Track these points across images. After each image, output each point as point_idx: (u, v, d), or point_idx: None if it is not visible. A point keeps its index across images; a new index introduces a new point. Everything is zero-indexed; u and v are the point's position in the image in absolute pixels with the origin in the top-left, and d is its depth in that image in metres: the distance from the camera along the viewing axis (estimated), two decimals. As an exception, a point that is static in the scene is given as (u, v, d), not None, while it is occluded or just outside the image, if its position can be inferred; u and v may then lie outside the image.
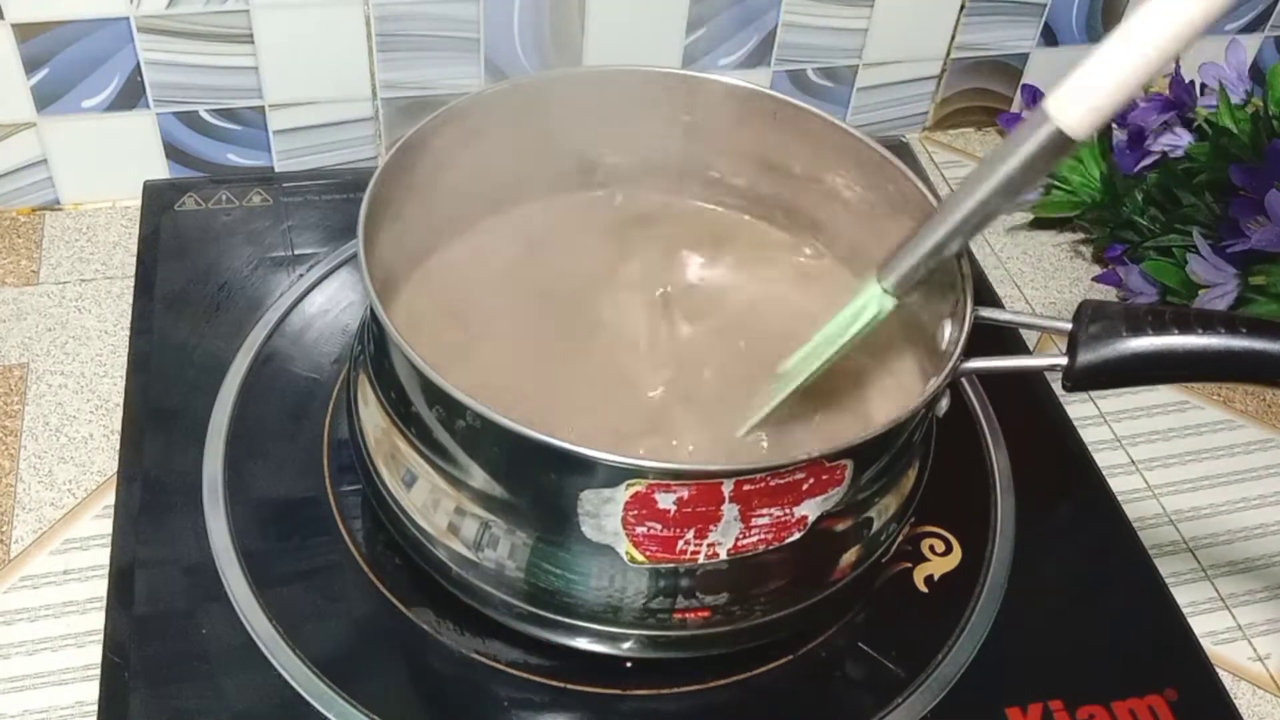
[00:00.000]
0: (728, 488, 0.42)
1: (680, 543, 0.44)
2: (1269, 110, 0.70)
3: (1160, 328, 0.44)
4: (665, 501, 0.42)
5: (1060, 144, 0.42)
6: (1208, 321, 0.44)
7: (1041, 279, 0.76)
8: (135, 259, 0.67)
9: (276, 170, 0.76)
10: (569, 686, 0.50)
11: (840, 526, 0.47)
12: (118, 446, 0.58)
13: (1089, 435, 0.64)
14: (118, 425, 0.59)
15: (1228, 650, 0.57)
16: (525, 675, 0.50)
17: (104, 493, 0.58)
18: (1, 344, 0.65)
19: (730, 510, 0.43)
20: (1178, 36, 0.39)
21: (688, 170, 0.61)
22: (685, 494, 0.42)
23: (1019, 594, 0.55)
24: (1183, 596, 0.57)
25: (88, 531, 0.56)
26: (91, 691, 0.49)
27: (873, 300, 0.48)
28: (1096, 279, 0.75)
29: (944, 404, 0.48)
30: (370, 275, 0.46)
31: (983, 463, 0.61)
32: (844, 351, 0.49)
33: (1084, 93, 0.41)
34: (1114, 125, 0.75)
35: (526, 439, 0.41)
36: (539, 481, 0.44)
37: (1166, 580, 0.57)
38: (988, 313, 0.48)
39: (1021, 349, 0.67)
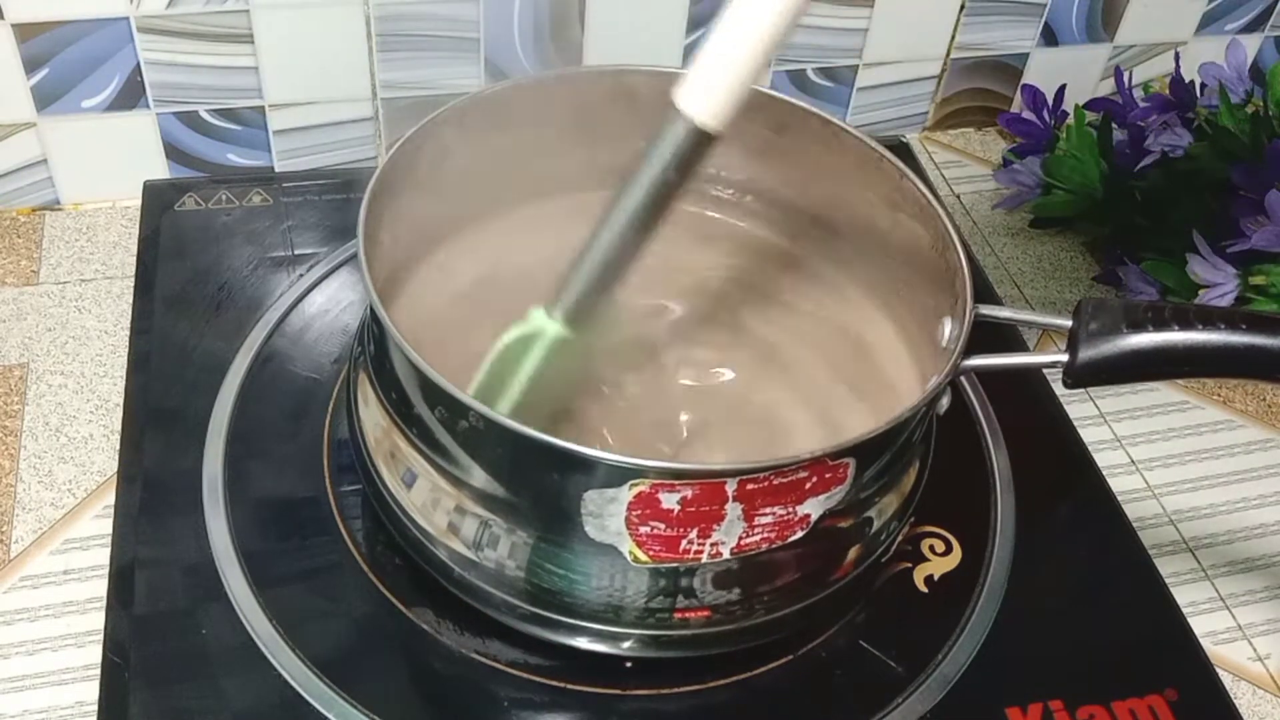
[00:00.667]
0: (731, 487, 0.42)
1: (684, 542, 0.44)
2: (1269, 110, 0.70)
3: (1160, 324, 0.44)
4: (669, 501, 0.42)
5: (699, 139, 0.41)
6: (1207, 317, 0.44)
7: (1041, 279, 0.76)
8: (135, 259, 0.67)
9: (276, 170, 0.76)
10: (569, 686, 0.50)
11: (842, 525, 0.47)
12: (118, 446, 0.58)
13: (1089, 435, 0.64)
14: (118, 425, 0.59)
15: (1228, 650, 0.57)
16: (525, 675, 0.50)
17: (104, 493, 0.58)
18: (1, 344, 0.65)
19: (734, 509, 0.43)
20: (782, 15, 0.39)
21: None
22: (689, 493, 0.42)
23: (1019, 594, 0.55)
24: (1183, 596, 0.57)
25: (88, 531, 0.56)
26: (91, 691, 0.49)
27: (547, 329, 0.46)
28: (1096, 279, 0.75)
29: (944, 402, 0.48)
30: (370, 275, 0.46)
31: (983, 463, 0.61)
32: (534, 379, 0.47)
33: (711, 81, 0.40)
34: (1114, 125, 0.75)
35: (530, 440, 0.41)
36: (541, 482, 0.44)
37: (1166, 580, 0.57)
38: (988, 310, 0.48)
39: (1022, 348, 0.67)
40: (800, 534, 0.45)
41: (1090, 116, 0.77)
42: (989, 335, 0.48)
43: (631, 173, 0.43)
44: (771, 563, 0.46)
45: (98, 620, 0.52)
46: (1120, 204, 0.74)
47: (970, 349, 0.46)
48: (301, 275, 0.66)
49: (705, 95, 0.40)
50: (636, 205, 0.44)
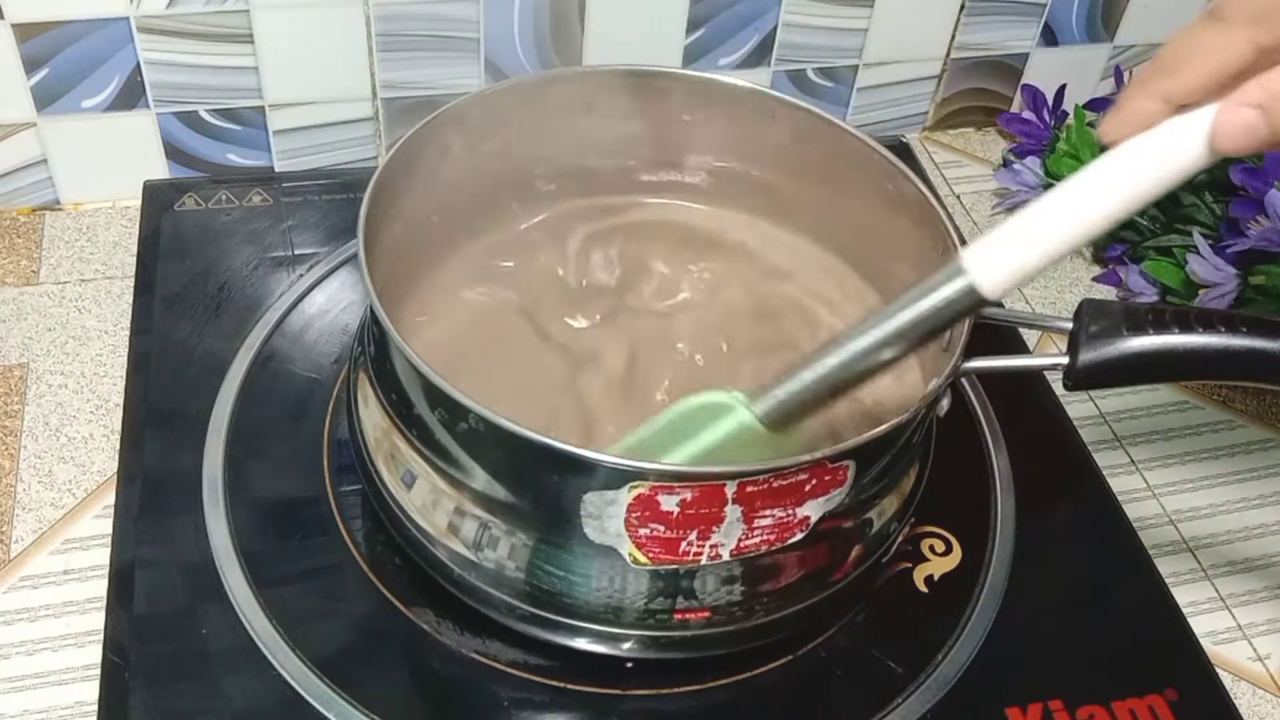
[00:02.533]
0: (731, 489, 0.42)
1: (683, 544, 0.44)
2: (1269, 110, 0.70)
3: (1160, 326, 0.44)
4: (668, 503, 0.42)
5: (971, 303, 0.40)
6: (1208, 320, 0.44)
7: (1041, 279, 0.76)
8: (135, 259, 0.67)
9: (276, 170, 0.76)
10: (569, 686, 0.50)
11: (842, 527, 0.47)
12: (118, 446, 0.58)
13: (1089, 435, 0.64)
14: (118, 425, 0.59)
15: (1228, 650, 0.57)
16: (525, 675, 0.50)
17: (104, 493, 0.58)
18: (1, 344, 0.65)
19: (733, 511, 0.43)
20: (1119, 208, 0.37)
21: (687, 170, 0.61)
22: (688, 496, 0.42)
23: (1019, 594, 0.55)
24: (1183, 596, 0.57)
25: (88, 531, 0.56)
26: (91, 691, 0.49)
27: (739, 413, 0.44)
28: (1096, 279, 0.75)
29: (944, 404, 0.48)
30: (370, 275, 0.46)
31: (983, 463, 0.61)
32: (704, 453, 0.45)
33: (1008, 254, 0.39)
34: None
35: (530, 442, 0.41)
36: (541, 483, 0.44)
37: (1166, 580, 0.57)
38: (988, 312, 0.48)
39: (1022, 349, 0.67)
40: (800, 536, 0.45)
41: (1090, 116, 0.77)
42: (989, 337, 0.48)
43: (892, 304, 0.41)
44: (771, 564, 0.46)
45: (98, 620, 0.52)
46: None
47: (970, 351, 0.46)
48: (301, 275, 0.66)
49: (996, 268, 0.39)
50: (880, 340, 0.41)
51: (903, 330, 0.41)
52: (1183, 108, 0.36)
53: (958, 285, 0.40)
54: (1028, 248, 0.38)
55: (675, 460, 0.45)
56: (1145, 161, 0.36)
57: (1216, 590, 0.60)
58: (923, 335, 0.41)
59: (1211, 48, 0.35)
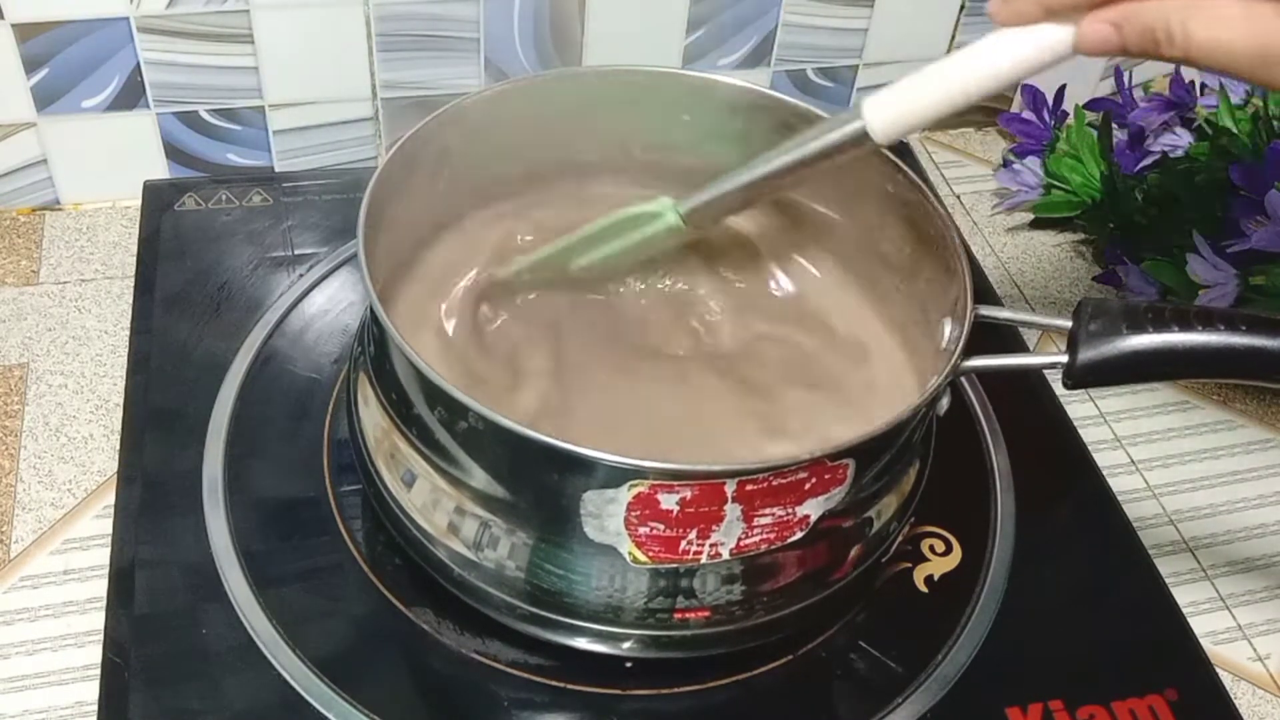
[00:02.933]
0: (730, 487, 0.42)
1: (683, 543, 0.44)
2: (1269, 110, 0.70)
3: (1160, 325, 0.44)
4: (668, 502, 0.42)
5: (860, 140, 0.46)
6: (1208, 319, 0.44)
7: (1041, 279, 0.76)
8: (135, 259, 0.67)
9: (276, 170, 0.76)
10: (569, 686, 0.50)
11: (841, 526, 0.47)
12: (118, 446, 0.58)
13: (1089, 435, 0.64)
14: (118, 425, 0.59)
15: (1228, 650, 0.57)
16: (525, 675, 0.50)
17: (104, 493, 0.58)
18: (1, 344, 0.65)
19: (733, 510, 0.43)
20: (994, 79, 0.44)
21: (687, 170, 0.61)
22: (688, 494, 0.42)
23: (1019, 594, 0.55)
24: (1183, 596, 0.57)
25: (88, 531, 0.56)
26: (91, 691, 0.49)
27: (666, 212, 0.53)
28: (1096, 279, 0.75)
29: (944, 403, 0.48)
30: (370, 275, 0.46)
31: (983, 463, 0.61)
32: (629, 248, 0.54)
33: (898, 106, 0.45)
34: (1114, 125, 0.75)
35: (529, 440, 0.41)
36: (541, 482, 0.44)
37: (1166, 580, 0.57)
38: (988, 311, 0.48)
39: (1021, 348, 0.67)
40: (800, 535, 0.45)
41: (1090, 116, 0.77)
42: (989, 336, 0.48)
43: (801, 137, 0.48)
44: (771, 563, 0.46)
45: (98, 620, 0.52)
46: (1120, 204, 0.73)
47: (970, 350, 0.46)
48: (301, 275, 0.66)
49: (885, 110, 0.46)
50: (784, 161, 0.49)
51: (801, 155, 0.49)
52: (1055, 16, 0.42)
53: (854, 126, 0.46)
54: (913, 101, 0.45)
55: (588, 259, 0.55)
56: (1024, 44, 0.43)
57: (1216, 590, 0.60)
58: (812, 162, 0.49)
59: None
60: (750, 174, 0.50)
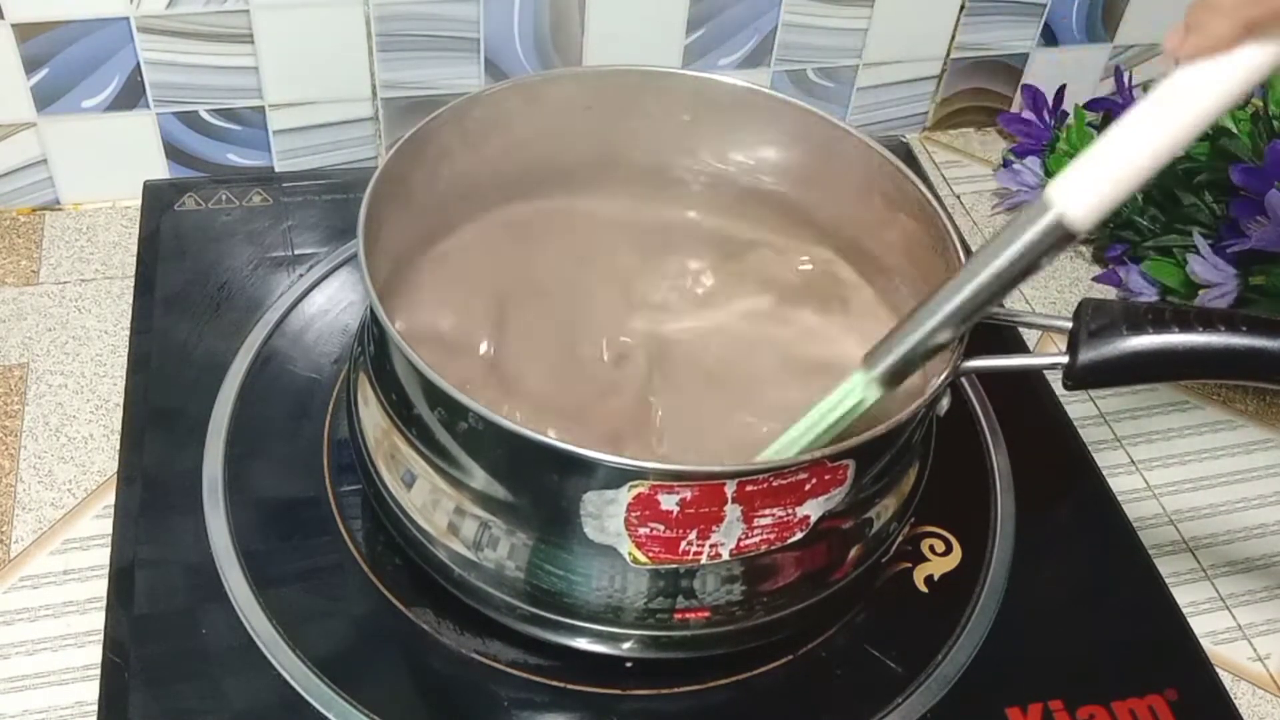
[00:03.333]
0: (730, 488, 0.42)
1: (683, 543, 0.44)
2: (1269, 110, 0.70)
3: (1160, 326, 0.44)
4: (668, 503, 0.42)
5: (1060, 236, 0.40)
6: (1208, 319, 0.44)
7: (1041, 279, 0.76)
8: (135, 259, 0.67)
9: (276, 170, 0.76)
10: (569, 686, 0.50)
11: (842, 526, 0.47)
12: (118, 446, 0.58)
13: (1089, 435, 0.64)
14: (118, 425, 0.59)
15: (1228, 650, 0.57)
16: (525, 675, 0.50)
17: (104, 493, 0.58)
18: (1, 344, 0.65)
19: (733, 511, 0.43)
20: (1195, 123, 0.37)
21: (687, 170, 0.61)
22: (688, 495, 0.42)
23: (1019, 594, 0.55)
24: (1183, 596, 0.57)
25: (88, 531, 0.56)
26: (91, 691, 0.49)
27: (858, 387, 0.46)
28: (1096, 279, 0.75)
29: (944, 404, 0.48)
30: (370, 276, 0.46)
31: (983, 463, 0.61)
32: (831, 435, 0.46)
33: (1091, 182, 0.39)
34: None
35: (529, 441, 0.41)
36: (541, 483, 0.44)
37: (1166, 580, 0.57)
38: (988, 311, 0.48)
39: (1022, 348, 0.67)
40: (800, 535, 0.45)
41: (1090, 116, 0.77)
42: (989, 336, 0.48)
43: (984, 250, 0.42)
44: (771, 564, 0.46)
45: (98, 620, 0.52)
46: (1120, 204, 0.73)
47: (970, 350, 0.46)
48: (301, 275, 0.66)
49: (1084, 197, 0.39)
50: (978, 288, 0.42)
51: (999, 276, 0.42)
52: (1256, 33, 0.36)
53: (1046, 220, 0.40)
54: (1111, 173, 0.39)
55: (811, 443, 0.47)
56: (1222, 80, 0.36)
57: (1216, 590, 0.60)
58: (1017, 277, 0.42)
59: None
60: (939, 313, 0.43)
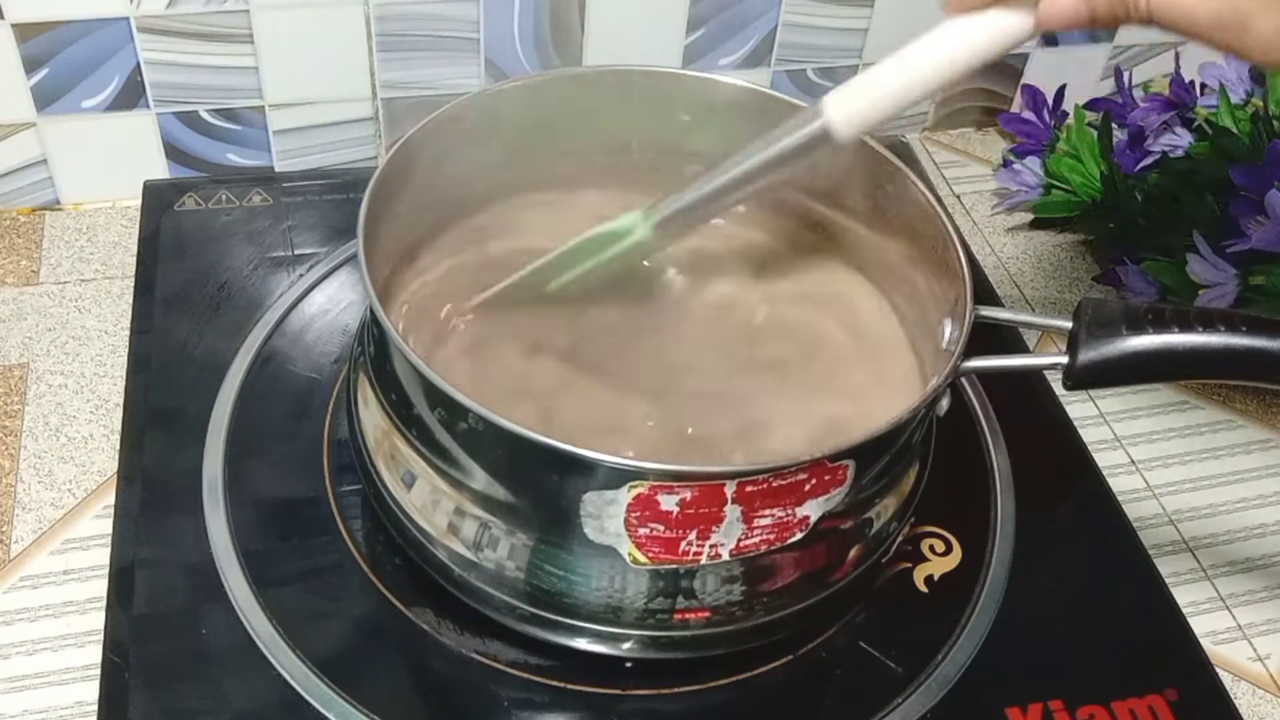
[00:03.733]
0: (730, 489, 0.42)
1: (683, 544, 0.44)
2: (1269, 110, 0.70)
3: (1160, 326, 0.44)
4: (668, 503, 0.42)
5: (823, 138, 0.46)
6: (1208, 319, 0.44)
7: (1041, 279, 0.76)
8: (135, 259, 0.67)
9: (276, 170, 0.76)
10: (569, 686, 0.50)
11: (841, 526, 0.47)
12: (118, 446, 0.58)
13: (1089, 435, 0.64)
14: (118, 425, 0.59)
15: (1228, 650, 0.57)
16: (525, 675, 0.50)
17: (104, 493, 0.58)
18: (1, 344, 0.65)
19: (733, 511, 0.43)
20: (951, 67, 0.43)
21: (686, 170, 0.61)
22: (688, 495, 0.42)
23: (1019, 594, 0.55)
24: (1183, 596, 0.57)
25: (88, 531, 0.56)
26: (91, 691, 0.49)
27: (636, 227, 0.52)
28: (1096, 279, 0.75)
29: (944, 404, 0.48)
30: (370, 275, 0.46)
31: (983, 463, 0.61)
32: (601, 264, 0.53)
33: (858, 101, 0.45)
34: (1114, 125, 0.75)
35: (529, 441, 0.41)
36: (541, 483, 0.44)
37: (1166, 580, 0.57)
38: (988, 312, 0.48)
39: (1022, 349, 0.67)
40: (800, 535, 0.45)
41: (1090, 116, 0.77)
42: (989, 336, 0.48)
43: (761, 139, 0.48)
44: (771, 564, 0.46)
45: (98, 620, 0.52)
46: (1120, 204, 0.73)
47: (970, 350, 0.46)
48: (301, 275, 0.66)
49: (846, 106, 0.45)
50: (750, 164, 0.48)
51: (770, 160, 0.48)
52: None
53: (816, 125, 0.46)
54: (874, 96, 0.45)
55: (566, 278, 0.54)
56: (980, 30, 0.43)
57: (1216, 590, 0.60)
58: (777, 165, 0.48)
59: None
60: (717, 179, 0.49)
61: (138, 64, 0.69)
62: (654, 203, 0.51)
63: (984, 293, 0.70)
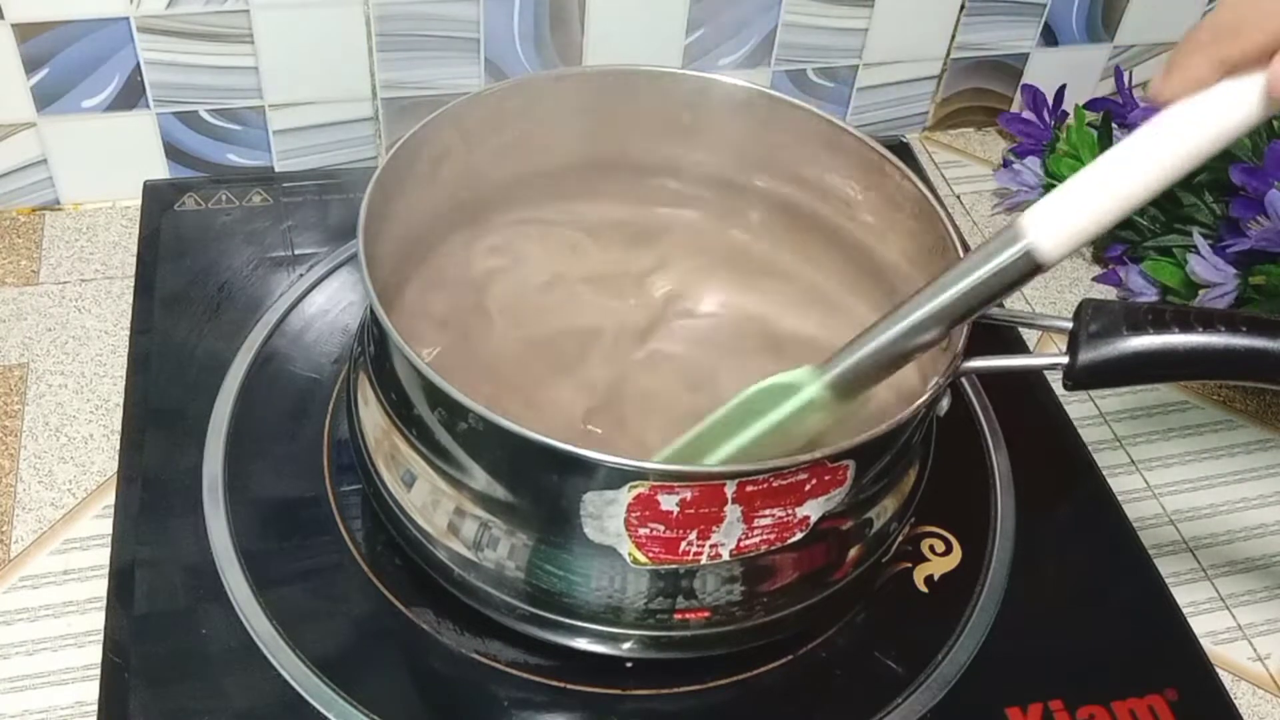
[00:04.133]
0: (730, 489, 0.42)
1: (683, 544, 0.44)
2: (1269, 110, 0.70)
3: (1161, 326, 0.44)
4: (668, 503, 0.42)
5: (1029, 267, 0.40)
6: (1208, 320, 0.44)
7: (1041, 279, 0.75)
8: (135, 259, 0.67)
9: (276, 170, 0.76)
10: (569, 686, 0.50)
11: (841, 527, 0.47)
12: (118, 446, 0.58)
13: (1089, 435, 0.64)
14: (118, 425, 0.59)
15: (1228, 650, 0.57)
16: (525, 675, 0.50)
17: (104, 493, 0.58)
18: (1, 344, 0.65)
19: (733, 511, 0.43)
20: (1177, 163, 0.37)
21: (687, 170, 0.61)
22: (688, 495, 0.42)
23: (1019, 594, 0.55)
24: (1183, 596, 0.57)
25: (88, 531, 0.56)
26: (91, 691, 0.49)
27: (809, 384, 0.45)
28: (1096, 279, 0.75)
29: (944, 404, 0.48)
30: (370, 275, 0.46)
31: (983, 463, 0.61)
32: (768, 433, 0.46)
33: (1065, 216, 0.39)
34: (1114, 125, 0.75)
35: (529, 441, 0.41)
36: (541, 483, 0.44)
37: (1166, 580, 0.57)
38: (988, 311, 0.48)
39: (1022, 349, 0.67)
40: (800, 535, 0.45)
41: (1090, 116, 0.77)
42: (989, 336, 0.48)
43: (951, 272, 0.42)
44: (771, 564, 0.46)
45: (98, 620, 0.52)
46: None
47: (970, 350, 0.46)
48: (301, 275, 0.66)
49: (1055, 231, 0.39)
50: (941, 306, 0.42)
51: (961, 297, 0.42)
52: (1234, 71, 0.36)
53: (1016, 249, 0.40)
54: (1086, 210, 0.39)
55: (733, 448, 0.46)
56: (1204, 118, 0.36)
57: (1216, 590, 0.60)
58: (981, 302, 0.42)
59: (1270, 11, 0.35)
60: (899, 324, 0.43)
61: (138, 64, 0.69)
62: (828, 358, 0.45)
63: (984, 293, 0.69)
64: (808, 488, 0.43)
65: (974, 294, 0.42)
